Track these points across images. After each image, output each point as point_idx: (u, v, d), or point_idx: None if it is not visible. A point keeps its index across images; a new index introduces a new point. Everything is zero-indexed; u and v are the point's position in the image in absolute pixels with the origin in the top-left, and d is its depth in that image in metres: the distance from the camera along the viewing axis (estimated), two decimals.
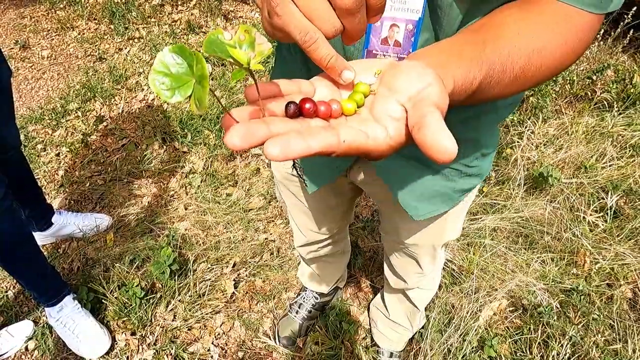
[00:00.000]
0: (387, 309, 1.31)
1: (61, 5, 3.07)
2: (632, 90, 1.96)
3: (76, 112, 2.28)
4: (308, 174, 0.81)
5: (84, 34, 2.87)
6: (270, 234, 1.75)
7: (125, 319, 1.46)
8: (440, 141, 0.29)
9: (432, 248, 0.92)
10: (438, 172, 0.69)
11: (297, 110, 0.33)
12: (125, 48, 2.73)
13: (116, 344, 1.44)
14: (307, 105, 0.33)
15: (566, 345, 1.32)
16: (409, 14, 0.48)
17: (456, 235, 0.90)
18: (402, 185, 0.71)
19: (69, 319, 1.40)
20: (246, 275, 1.62)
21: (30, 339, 1.45)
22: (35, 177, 1.58)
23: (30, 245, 1.31)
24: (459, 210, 0.82)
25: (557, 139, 1.94)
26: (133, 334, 1.45)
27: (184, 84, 0.29)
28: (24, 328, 1.44)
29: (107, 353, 1.40)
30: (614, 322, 1.40)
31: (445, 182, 0.70)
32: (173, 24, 2.92)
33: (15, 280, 1.59)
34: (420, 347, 1.37)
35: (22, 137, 2.12)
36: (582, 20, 0.43)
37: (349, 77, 0.36)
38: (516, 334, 1.40)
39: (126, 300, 1.48)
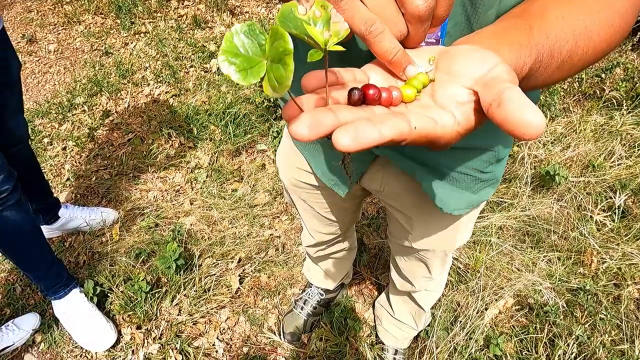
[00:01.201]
0: (392, 308, 1.30)
1: (67, 0, 3.07)
2: None
3: (82, 107, 2.29)
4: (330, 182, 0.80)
5: (90, 28, 2.87)
6: (276, 229, 1.75)
7: (130, 313, 1.47)
8: (526, 115, 0.26)
9: (443, 253, 0.90)
10: (453, 179, 0.67)
11: (361, 97, 0.31)
12: (132, 43, 2.73)
13: (122, 337, 1.44)
14: (371, 91, 0.31)
15: (572, 345, 1.31)
16: None
17: (467, 239, 0.89)
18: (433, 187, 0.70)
19: (76, 312, 1.41)
20: (251, 271, 1.62)
21: (36, 331, 1.46)
22: (42, 171, 1.59)
23: (38, 239, 1.32)
24: (472, 216, 0.81)
25: (565, 137, 1.92)
26: (138, 327, 1.46)
27: (256, 64, 0.27)
28: (30, 320, 1.45)
29: (113, 347, 1.41)
30: (621, 322, 1.39)
31: (462, 193, 0.69)
32: (179, 19, 2.92)
33: (22, 273, 1.60)
34: (425, 345, 1.37)
35: (29, 131, 2.13)
36: (627, 2, 0.42)
37: (412, 73, 0.34)
38: (522, 332, 1.39)
39: (132, 294, 1.48)
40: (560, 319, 1.39)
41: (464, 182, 0.68)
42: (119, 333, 1.44)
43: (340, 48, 0.29)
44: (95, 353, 1.41)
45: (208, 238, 1.70)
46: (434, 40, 0.49)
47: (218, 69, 2.45)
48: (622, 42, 0.45)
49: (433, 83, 0.35)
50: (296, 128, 0.26)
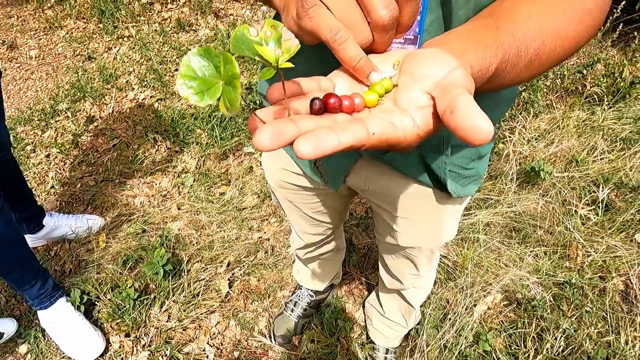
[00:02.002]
0: (382, 306, 1.31)
1: (49, 4, 3.03)
2: (621, 84, 1.98)
3: (66, 113, 2.26)
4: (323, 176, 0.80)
5: (72, 33, 2.83)
6: (265, 232, 1.74)
7: (119, 320, 1.45)
8: (476, 122, 0.28)
9: (429, 250, 0.91)
10: (435, 177, 0.68)
11: (322, 106, 0.32)
12: (115, 47, 2.70)
13: (110, 346, 1.43)
14: (332, 100, 0.32)
15: (560, 338, 1.33)
16: None
17: (453, 236, 0.90)
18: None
19: (62, 321, 1.39)
20: (241, 275, 1.61)
21: (12, 338, 1.43)
22: (25, 179, 1.56)
23: (22, 248, 1.30)
24: (457, 211, 0.82)
25: (549, 133, 1.95)
26: (127, 335, 1.44)
27: (212, 86, 0.29)
28: (5, 325, 1.43)
29: (102, 355, 1.39)
30: (606, 314, 1.41)
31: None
32: (163, 22, 2.89)
33: (6, 283, 1.58)
34: (416, 344, 1.38)
35: (11, 138, 2.09)
36: (594, 0, 0.43)
37: (376, 79, 0.35)
38: (510, 327, 1.40)
39: (120, 301, 1.47)
40: (548, 313, 1.41)
41: (448, 179, 0.69)
42: (108, 341, 1.43)
43: (290, 65, 0.31)
44: None
45: (196, 243, 1.69)
46: (412, 37, 0.49)
47: None
48: (591, 39, 0.46)
49: (397, 87, 0.36)
50: (259, 139, 0.27)
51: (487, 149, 0.71)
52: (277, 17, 0.68)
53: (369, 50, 0.37)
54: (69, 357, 1.40)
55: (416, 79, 0.34)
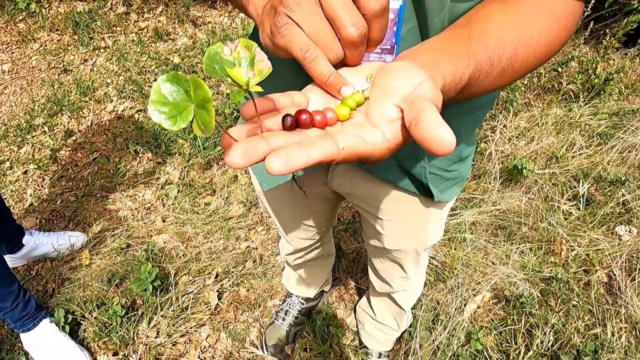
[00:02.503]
0: (373, 310, 1.31)
1: (20, 17, 2.96)
2: (596, 81, 2.03)
3: (42, 127, 2.20)
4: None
5: (46, 45, 2.77)
6: (252, 241, 1.73)
7: (106, 339, 1.42)
8: (438, 133, 0.29)
9: (415, 252, 0.92)
10: (417, 180, 0.69)
11: (294, 123, 0.33)
12: (91, 59, 2.65)
13: None
14: (304, 117, 0.33)
15: (549, 333, 1.35)
16: (390, 1, 0.48)
17: (439, 238, 0.90)
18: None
19: (47, 343, 1.35)
20: (230, 285, 1.59)
21: None
22: (2, 197, 1.52)
23: (1, 269, 1.26)
24: (441, 213, 0.83)
25: (528, 131, 1.99)
26: (115, 354, 1.41)
27: (184, 110, 0.29)
28: None
29: None
30: (592, 307, 1.44)
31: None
32: (140, 32, 2.86)
33: None
34: (409, 346, 1.38)
35: None
36: (565, 8, 0.44)
37: (347, 93, 0.36)
38: (500, 325, 1.42)
39: (106, 319, 1.43)
40: (536, 309, 1.43)
41: (431, 182, 0.69)
42: None
43: (259, 89, 0.31)
44: None
45: (183, 255, 1.67)
46: (389, 47, 0.50)
47: None
48: (564, 45, 0.47)
49: (369, 100, 0.37)
50: (231, 157, 0.28)
51: (469, 152, 0.71)
52: (255, 31, 0.68)
53: (342, 64, 0.39)
54: None
55: (387, 93, 0.35)
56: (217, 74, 0.31)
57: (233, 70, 0.31)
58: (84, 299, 1.52)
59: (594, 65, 2.05)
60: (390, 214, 0.80)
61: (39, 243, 1.62)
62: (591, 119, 1.99)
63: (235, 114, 2.11)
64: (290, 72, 0.55)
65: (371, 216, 0.84)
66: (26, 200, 1.89)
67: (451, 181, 0.72)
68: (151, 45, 2.74)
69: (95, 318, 1.45)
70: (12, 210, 1.80)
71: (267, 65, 0.32)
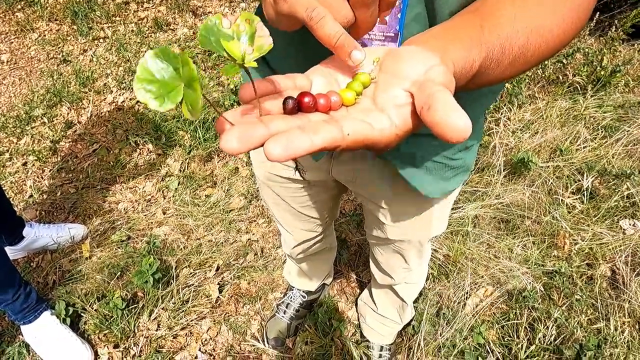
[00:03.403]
0: (375, 303, 1.30)
1: (19, 7, 2.93)
2: (602, 73, 2.00)
3: (42, 119, 2.18)
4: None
5: (45, 35, 2.74)
6: (253, 234, 1.72)
7: (107, 331, 1.41)
8: (452, 119, 0.27)
9: (418, 243, 0.91)
10: (422, 167, 0.67)
11: (296, 106, 0.31)
12: (91, 49, 2.63)
13: (99, 358, 1.39)
14: (306, 100, 0.31)
15: (551, 327, 1.34)
16: None
17: (442, 230, 0.89)
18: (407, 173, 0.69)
19: (47, 336, 1.34)
20: (230, 278, 1.59)
21: None
22: (2, 189, 1.50)
23: (1, 261, 1.25)
24: (445, 205, 0.81)
25: (533, 123, 1.96)
26: (116, 346, 1.41)
27: (173, 89, 0.27)
28: None
29: None
30: (596, 301, 1.43)
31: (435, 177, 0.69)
32: (139, 22, 2.82)
33: None
34: (412, 340, 1.38)
35: None
36: None
37: (359, 57, 0.33)
38: (503, 319, 1.41)
39: (107, 312, 1.43)
40: (539, 303, 1.42)
41: (435, 170, 0.68)
42: (96, 354, 1.39)
43: (254, 65, 0.29)
44: None
45: (184, 247, 1.66)
46: (393, 34, 0.48)
47: None
48: (576, 36, 0.46)
49: (376, 85, 0.35)
50: (226, 142, 0.26)
51: (475, 140, 0.70)
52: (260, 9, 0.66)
53: (354, 30, 0.36)
54: None
55: (396, 77, 0.33)
56: (212, 46, 0.29)
57: (229, 44, 0.29)
58: (85, 291, 1.51)
59: (600, 57, 2.02)
60: (393, 204, 0.79)
61: (39, 235, 1.61)
62: (596, 111, 1.96)
63: (235, 105, 2.09)
64: (294, 52, 0.52)
65: (374, 205, 0.83)
66: (26, 192, 1.88)
67: (455, 170, 0.70)
68: (151, 36, 2.71)
69: (95, 310, 1.44)
70: (11, 202, 1.80)
71: (268, 42, 0.30)
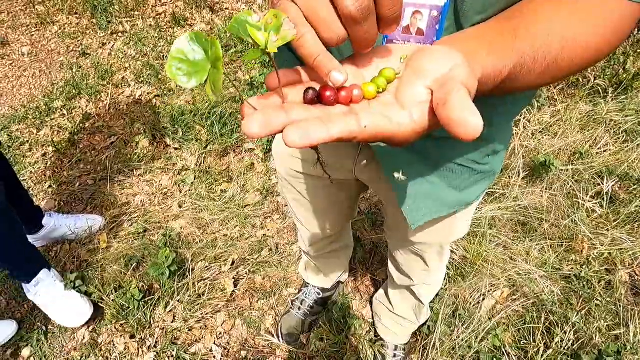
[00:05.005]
0: (391, 303, 1.30)
1: (39, 0, 2.96)
2: (624, 76, 1.97)
3: (61, 110, 2.21)
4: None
5: (65, 29, 2.77)
6: (268, 229, 1.72)
7: (123, 322, 1.43)
8: (464, 115, 0.28)
9: (439, 246, 0.90)
10: (448, 170, 0.66)
11: (316, 96, 0.32)
12: (109, 43, 2.65)
13: (115, 347, 1.40)
14: (328, 94, 0.32)
15: (569, 332, 1.33)
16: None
17: (464, 233, 0.88)
18: (409, 190, 0.68)
19: (47, 292, 1.41)
20: (245, 273, 1.59)
21: (12, 340, 1.41)
22: (22, 179, 1.53)
23: (17, 237, 1.32)
24: (470, 207, 0.80)
25: (552, 126, 1.94)
26: (132, 337, 1.42)
27: (200, 69, 0.30)
28: (6, 328, 1.41)
29: (90, 323, 1.42)
30: (615, 307, 1.41)
31: (453, 191, 0.68)
32: (157, 17, 2.84)
33: (6, 285, 1.55)
34: (427, 340, 1.37)
35: (5, 137, 2.05)
36: (618, 10, 0.40)
37: (337, 78, 0.32)
38: (519, 322, 1.40)
39: (124, 302, 1.44)
40: (557, 307, 1.40)
41: (458, 174, 0.67)
42: (112, 343, 1.40)
43: (275, 50, 0.30)
44: None
45: (200, 241, 1.67)
46: (429, 44, 0.47)
47: None
48: (615, 49, 0.45)
49: (400, 81, 0.35)
50: (247, 126, 0.28)
51: (504, 145, 0.69)
52: None
53: (353, 48, 0.35)
54: (59, 325, 1.43)
55: (419, 74, 0.34)
56: (239, 32, 0.31)
57: (254, 30, 0.31)
58: (102, 281, 1.53)
59: (624, 60, 1.99)
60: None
61: (57, 225, 1.63)
62: (618, 115, 1.93)
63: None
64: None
65: (396, 207, 0.82)
66: (45, 182, 1.90)
67: (482, 174, 0.69)
68: (169, 31, 2.72)
69: (112, 301, 1.46)
70: (31, 192, 1.82)
71: (292, 32, 0.31)
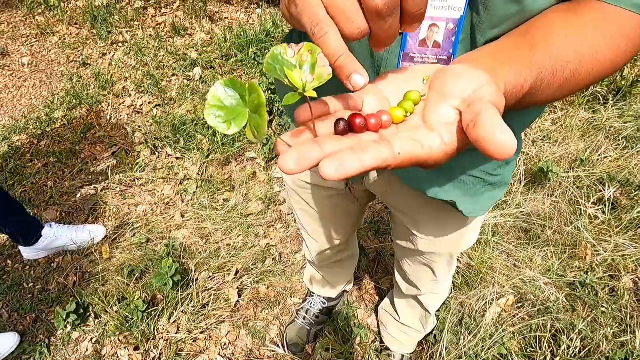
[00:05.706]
0: (397, 312, 1.29)
1: (40, 10, 2.97)
2: (622, 83, 1.99)
3: (62, 120, 2.21)
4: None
5: (65, 39, 2.78)
6: (271, 239, 1.72)
7: (127, 333, 1.41)
8: (497, 135, 0.27)
9: (449, 256, 0.90)
10: (461, 182, 0.66)
11: (347, 127, 0.32)
12: (110, 53, 2.66)
13: (119, 359, 1.39)
14: (358, 121, 0.32)
15: (576, 339, 1.33)
16: (450, 12, 0.46)
17: (473, 242, 0.88)
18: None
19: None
20: (249, 283, 1.58)
21: (18, 355, 1.39)
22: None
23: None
24: (480, 219, 0.81)
25: (553, 133, 1.95)
26: (136, 348, 1.41)
27: (239, 114, 0.30)
28: (7, 340, 1.39)
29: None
30: (621, 313, 1.41)
31: (469, 199, 0.68)
32: (157, 27, 2.85)
33: (8, 298, 1.53)
34: (434, 349, 1.36)
35: (6, 148, 2.04)
36: (633, 23, 0.41)
37: (358, 82, 0.31)
38: (525, 330, 1.40)
39: (127, 314, 1.43)
40: (562, 314, 1.40)
41: (470, 185, 0.67)
42: (115, 355, 1.39)
43: (314, 94, 0.31)
44: None
45: (203, 251, 1.66)
46: (446, 57, 0.48)
47: (201, 77, 2.41)
48: (630, 60, 0.46)
49: (426, 103, 0.35)
50: (283, 164, 0.28)
51: (515, 155, 0.69)
52: (290, 35, 0.66)
53: (372, 44, 0.34)
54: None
55: (445, 95, 0.34)
56: (276, 73, 0.31)
57: (292, 73, 0.31)
58: (105, 292, 1.51)
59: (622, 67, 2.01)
60: (428, 216, 0.78)
61: (58, 235, 1.62)
62: (617, 122, 1.95)
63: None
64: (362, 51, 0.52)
65: (406, 217, 0.82)
66: (46, 193, 1.89)
67: (494, 185, 0.70)
68: (169, 40, 2.73)
69: (116, 312, 1.44)
70: (32, 202, 1.81)
71: (327, 71, 0.31)
